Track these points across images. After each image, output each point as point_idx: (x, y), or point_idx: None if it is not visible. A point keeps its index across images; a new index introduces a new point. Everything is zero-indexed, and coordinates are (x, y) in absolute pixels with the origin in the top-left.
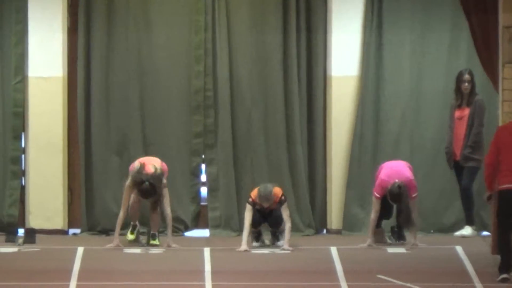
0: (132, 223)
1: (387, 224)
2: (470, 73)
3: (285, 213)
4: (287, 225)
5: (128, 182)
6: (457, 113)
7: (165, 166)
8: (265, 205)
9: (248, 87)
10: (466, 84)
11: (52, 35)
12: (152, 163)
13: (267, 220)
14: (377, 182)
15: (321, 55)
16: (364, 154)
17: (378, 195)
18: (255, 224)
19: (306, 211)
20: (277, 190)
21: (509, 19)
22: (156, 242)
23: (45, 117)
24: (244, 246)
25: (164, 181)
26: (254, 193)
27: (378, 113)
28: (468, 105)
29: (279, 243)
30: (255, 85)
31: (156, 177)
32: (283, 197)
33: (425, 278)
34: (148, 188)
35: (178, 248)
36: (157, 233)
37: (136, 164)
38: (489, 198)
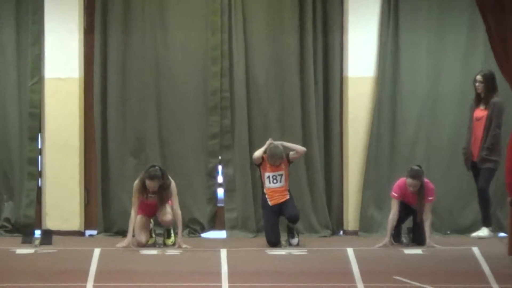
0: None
1: (403, 225)
2: (484, 75)
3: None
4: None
5: (136, 181)
6: (476, 114)
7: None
8: (277, 162)
9: (264, 87)
10: (477, 84)
11: (69, 36)
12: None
13: (284, 213)
14: (395, 184)
15: (337, 56)
16: (381, 154)
17: (396, 194)
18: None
19: (323, 212)
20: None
21: None
22: (172, 240)
23: (62, 118)
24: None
25: (171, 180)
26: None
27: (395, 113)
28: (486, 106)
29: (293, 241)
30: (271, 86)
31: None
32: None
33: (441, 279)
34: (156, 170)
35: (190, 248)
36: (171, 230)
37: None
38: None
